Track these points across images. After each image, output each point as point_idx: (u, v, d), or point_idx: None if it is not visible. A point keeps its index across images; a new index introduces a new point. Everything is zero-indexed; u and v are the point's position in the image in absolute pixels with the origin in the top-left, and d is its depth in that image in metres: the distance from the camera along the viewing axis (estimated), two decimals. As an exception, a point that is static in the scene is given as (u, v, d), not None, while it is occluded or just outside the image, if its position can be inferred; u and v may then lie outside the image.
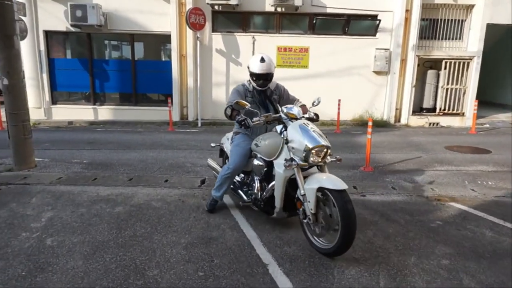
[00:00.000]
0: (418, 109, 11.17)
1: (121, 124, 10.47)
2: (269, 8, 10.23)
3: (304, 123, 3.09)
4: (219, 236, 3.39)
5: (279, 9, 10.28)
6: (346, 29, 10.53)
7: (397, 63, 10.47)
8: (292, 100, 3.75)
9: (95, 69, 10.82)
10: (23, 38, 9.74)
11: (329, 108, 10.65)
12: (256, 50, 10.52)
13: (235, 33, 10.51)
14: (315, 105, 3.44)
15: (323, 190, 2.85)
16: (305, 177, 3.00)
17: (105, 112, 10.90)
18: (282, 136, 3.18)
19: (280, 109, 3.33)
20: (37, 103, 10.64)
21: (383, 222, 3.74)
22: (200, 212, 3.94)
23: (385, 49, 10.45)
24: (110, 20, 10.21)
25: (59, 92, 11.03)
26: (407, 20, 10.26)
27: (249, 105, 3.33)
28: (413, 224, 3.69)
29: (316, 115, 3.46)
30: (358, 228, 2.89)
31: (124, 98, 11.22)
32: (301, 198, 3.00)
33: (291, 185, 3.15)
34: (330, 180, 2.83)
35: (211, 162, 4.53)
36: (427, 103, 10.99)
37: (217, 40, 10.52)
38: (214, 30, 10.50)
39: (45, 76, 10.58)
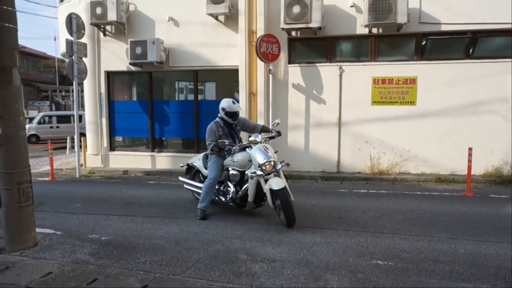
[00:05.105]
0: None
1: (178, 175, 8.80)
2: (361, 30, 8.01)
3: (260, 147, 4.84)
4: None
5: (374, 30, 7.98)
6: (471, 50, 7.73)
7: (555, 95, 7.25)
8: (253, 125, 5.61)
9: (155, 111, 9.57)
10: (81, 80, 8.95)
11: (445, 157, 7.84)
12: (345, 83, 8.27)
13: (317, 64, 8.42)
14: (275, 126, 5.43)
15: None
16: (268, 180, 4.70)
17: (163, 160, 9.45)
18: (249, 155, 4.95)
19: (248, 138, 5.13)
20: (95, 149, 9.70)
21: None
22: None
23: (535, 75, 7.35)
24: (172, 56, 8.98)
25: (117, 137, 10.00)
26: None
27: (227, 141, 5.06)
28: None
29: (278, 132, 5.31)
30: None
31: (185, 144, 9.72)
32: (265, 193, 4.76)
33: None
34: (275, 183, 4.55)
35: (186, 186, 5.96)
36: None
37: (295, 72, 8.53)
38: (290, 61, 8.57)
39: (104, 121, 9.63)
